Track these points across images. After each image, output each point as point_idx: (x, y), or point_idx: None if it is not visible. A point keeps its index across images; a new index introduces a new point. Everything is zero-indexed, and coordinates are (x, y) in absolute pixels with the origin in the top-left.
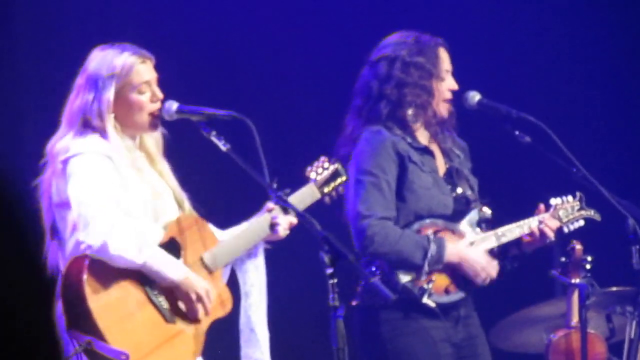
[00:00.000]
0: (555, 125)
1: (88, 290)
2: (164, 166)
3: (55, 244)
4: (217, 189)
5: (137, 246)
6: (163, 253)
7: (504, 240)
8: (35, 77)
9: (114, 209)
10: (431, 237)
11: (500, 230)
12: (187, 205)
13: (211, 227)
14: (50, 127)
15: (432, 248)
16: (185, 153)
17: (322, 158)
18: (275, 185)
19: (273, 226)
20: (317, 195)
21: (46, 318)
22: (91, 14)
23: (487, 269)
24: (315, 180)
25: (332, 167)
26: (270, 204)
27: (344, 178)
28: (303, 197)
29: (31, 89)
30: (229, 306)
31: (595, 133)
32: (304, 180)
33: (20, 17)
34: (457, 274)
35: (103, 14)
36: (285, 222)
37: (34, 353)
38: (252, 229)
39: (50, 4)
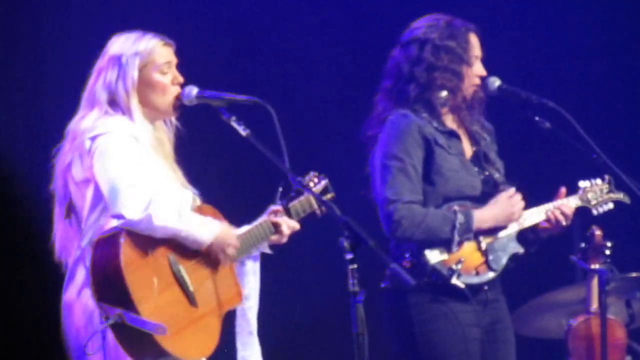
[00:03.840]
0: (575, 110)
1: (125, 263)
2: (173, 160)
3: (69, 222)
4: (233, 181)
5: (176, 211)
6: (195, 216)
7: (529, 223)
8: (55, 68)
9: (148, 182)
10: (457, 209)
11: (528, 212)
12: (197, 201)
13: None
14: (65, 113)
15: (460, 217)
16: (194, 145)
17: (312, 173)
18: (301, 180)
19: (276, 228)
20: (315, 207)
21: (50, 305)
22: (110, 3)
23: (513, 211)
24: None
25: (323, 182)
26: (275, 206)
27: (332, 194)
28: (304, 204)
29: (49, 81)
30: (241, 298)
31: (614, 119)
32: (320, 169)
33: (44, 12)
34: (489, 253)
35: (122, 3)
36: (288, 225)
37: (37, 340)
38: (260, 229)
39: None
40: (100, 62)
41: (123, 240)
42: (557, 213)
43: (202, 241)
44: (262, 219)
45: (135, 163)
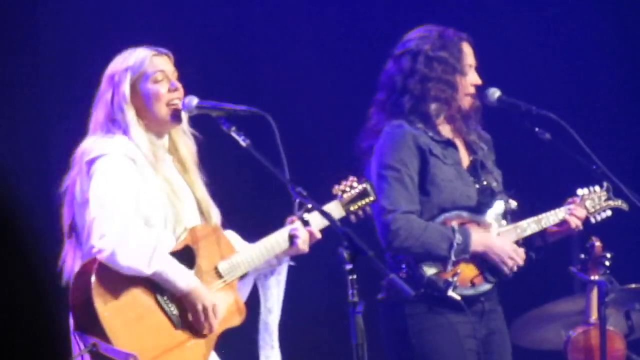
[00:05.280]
0: (575, 122)
1: (96, 292)
2: (195, 177)
3: (72, 243)
4: (234, 193)
5: (147, 257)
6: (173, 263)
7: (529, 232)
8: (60, 84)
9: (130, 215)
10: (456, 227)
11: (525, 222)
12: (214, 217)
13: (237, 238)
14: (74, 133)
15: (458, 238)
16: (204, 156)
17: (351, 177)
18: (301, 190)
19: (292, 238)
20: (342, 213)
21: (58, 324)
22: (111, 17)
23: (513, 256)
24: (341, 197)
25: (360, 187)
26: (291, 217)
27: (371, 198)
28: (328, 212)
29: (56, 96)
30: (243, 316)
31: (615, 130)
32: (323, 181)
33: (43, 23)
34: (485, 264)
35: (123, 15)
36: (304, 235)
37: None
38: (270, 241)
39: (72, 10)
40: (101, 86)
41: (95, 270)
42: (571, 217)
43: (178, 288)
44: (278, 231)
45: (124, 191)
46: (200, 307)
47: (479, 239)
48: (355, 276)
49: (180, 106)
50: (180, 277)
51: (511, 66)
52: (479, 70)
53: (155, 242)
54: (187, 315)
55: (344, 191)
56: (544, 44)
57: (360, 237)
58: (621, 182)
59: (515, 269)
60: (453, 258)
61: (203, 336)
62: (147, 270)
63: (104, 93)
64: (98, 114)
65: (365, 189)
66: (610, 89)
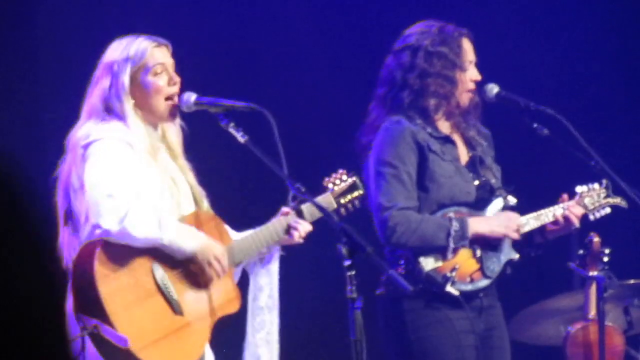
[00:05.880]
0: (574, 118)
1: (98, 274)
2: (185, 163)
3: (68, 229)
4: (232, 189)
5: (157, 223)
6: (178, 224)
7: (528, 228)
8: (55, 71)
9: (128, 192)
10: (452, 216)
11: (524, 218)
12: (205, 203)
13: (227, 227)
14: (68, 121)
15: (455, 225)
16: (202, 152)
17: (341, 170)
18: (299, 186)
19: (289, 229)
20: (334, 206)
21: (57, 311)
22: (109, 9)
23: (511, 224)
24: (332, 190)
25: (350, 180)
26: (286, 208)
27: (360, 192)
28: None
29: (50, 83)
30: (239, 302)
31: (614, 126)
32: (323, 177)
33: (41, 14)
34: (487, 243)
35: (121, 9)
36: (302, 228)
37: (43, 346)
38: (266, 231)
39: (71, 3)
40: (97, 72)
41: (98, 251)
42: (569, 214)
43: (186, 250)
44: (272, 221)
45: (122, 171)
46: (207, 264)
47: (476, 224)
48: (353, 272)
49: (177, 102)
50: (188, 238)
51: (510, 62)
52: (479, 66)
53: (157, 207)
54: (195, 274)
55: (334, 184)
56: (543, 40)
57: (359, 233)
58: (620, 178)
59: (519, 233)
60: (452, 245)
61: (201, 321)
62: (161, 235)
63: (101, 80)
64: (93, 100)
65: (354, 182)
66: (609, 85)
